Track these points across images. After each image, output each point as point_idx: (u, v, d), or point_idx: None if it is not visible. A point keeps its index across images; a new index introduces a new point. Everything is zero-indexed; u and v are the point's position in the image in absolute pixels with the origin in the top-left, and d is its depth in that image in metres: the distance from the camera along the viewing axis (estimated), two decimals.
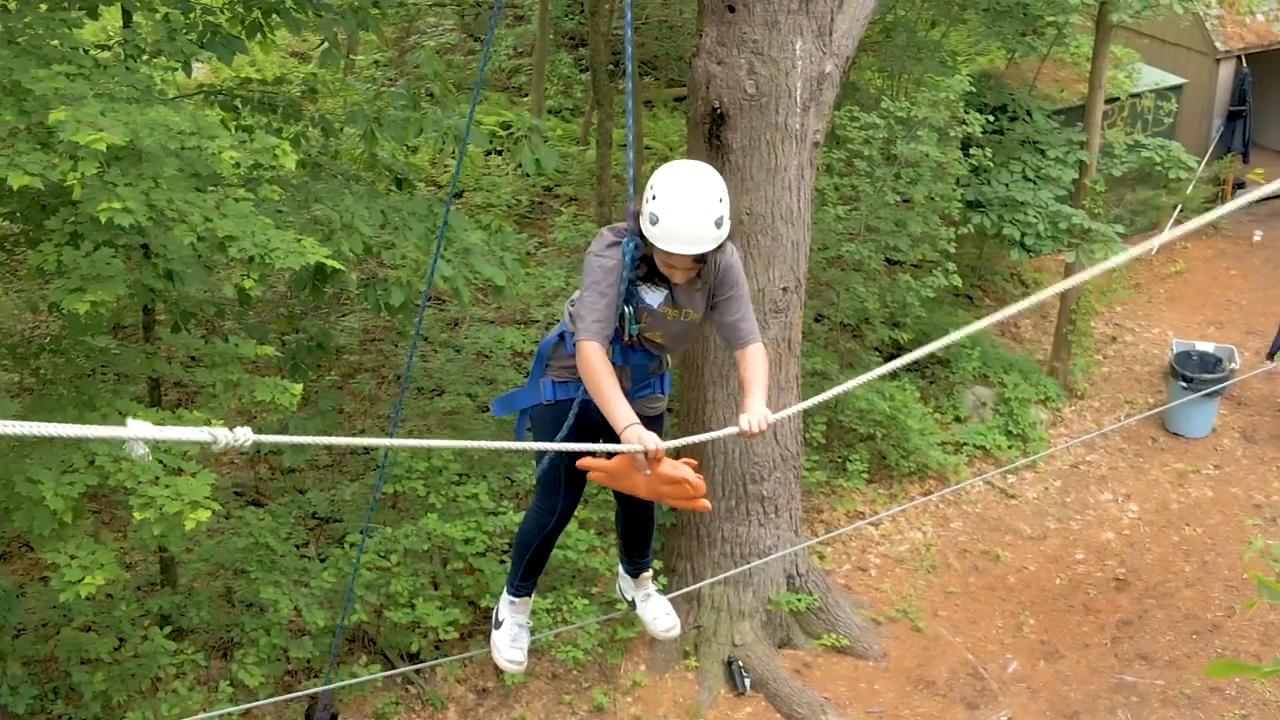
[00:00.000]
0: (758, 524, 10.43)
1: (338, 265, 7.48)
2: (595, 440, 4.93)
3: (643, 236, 4.67)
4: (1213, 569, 11.63)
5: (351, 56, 17.02)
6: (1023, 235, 12.98)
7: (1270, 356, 13.52)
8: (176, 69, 8.34)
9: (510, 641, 5.70)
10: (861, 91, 14.02)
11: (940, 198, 12.39)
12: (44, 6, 7.90)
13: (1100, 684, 10.47)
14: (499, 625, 5.75)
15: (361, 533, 8.41)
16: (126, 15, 8.51)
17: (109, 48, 9.09)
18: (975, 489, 12.53)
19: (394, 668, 9.89)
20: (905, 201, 12.42)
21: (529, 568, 5.60)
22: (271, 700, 9.00)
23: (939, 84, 12.62)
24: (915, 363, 12.38)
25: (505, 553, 9.93)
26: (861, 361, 12.55)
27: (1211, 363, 13.41)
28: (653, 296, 4.84)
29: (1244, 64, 16.58)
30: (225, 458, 11.47)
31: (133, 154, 6.71)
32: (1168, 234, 3.74)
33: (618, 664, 10.33)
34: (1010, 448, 12.91)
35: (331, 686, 8.98)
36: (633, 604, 5.92)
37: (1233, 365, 13.37)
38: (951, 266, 12.32)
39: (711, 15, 9.31)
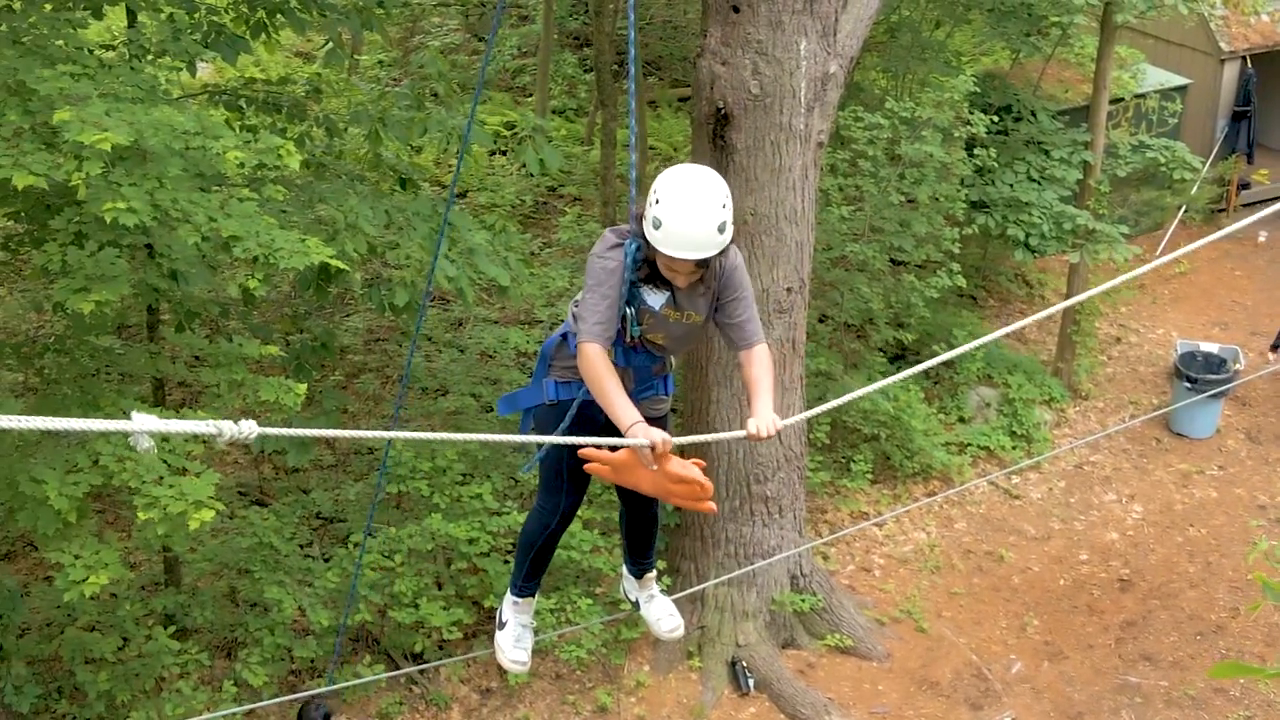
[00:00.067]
0: (762, 524, 10.43)
1: (342, 265, 7.48)
2: None
3: (645, 239, 4.67)
4: (1217, 570, 11.62)
5: (356, 56, 17.04)
6: (1027, 236, 12.97)
7: (1274, 349, 13.51)
8: (181, 69, 8.35)
9: (514, 642, 5.70)
10: (866, 92, 14.00)
11: (945, 198, 12.38)
12: (49, 6, 7.91)
13: (1104, 685, 10.46)
14: (503, 625, 5.75)
15: (365, 533, 8.41)
16: (131, 15, 8.51)
17: (114, 48, 9.10)
18: (979, 490, 12.52)
19: (398, 668, 9.90)
20: (910, 202, 12.41)
21: (532, 568, 5.60)
22: (276, 700, 9.01)
23: (943, 84, 12.61)
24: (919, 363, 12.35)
25: (509, 553, 9.93)
26: (866, 362, 12.55)
27: (1216, 363, 13.39)
28: (655, 298, 4.84)
29: (1249, 64, 16.56)
30: (229, 457, 11.48)
31: (137, 154, 6.72)
32: (1184, 249, 3.71)
33: (621, 664, 10.33)
34: (1014, 448, 12.90)
35: (336, 687, 8.99)
36: (637, 605, 5.93)
37: (1237, 366, 13.35)
38: (956, 267, 12.32)
39: (716, 15, 9.31)
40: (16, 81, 6.82)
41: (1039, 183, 13.14)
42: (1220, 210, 16.58)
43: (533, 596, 5.76)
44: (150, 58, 8.17)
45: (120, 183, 6.59)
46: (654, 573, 5.93)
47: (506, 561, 9.82)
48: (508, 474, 10.67)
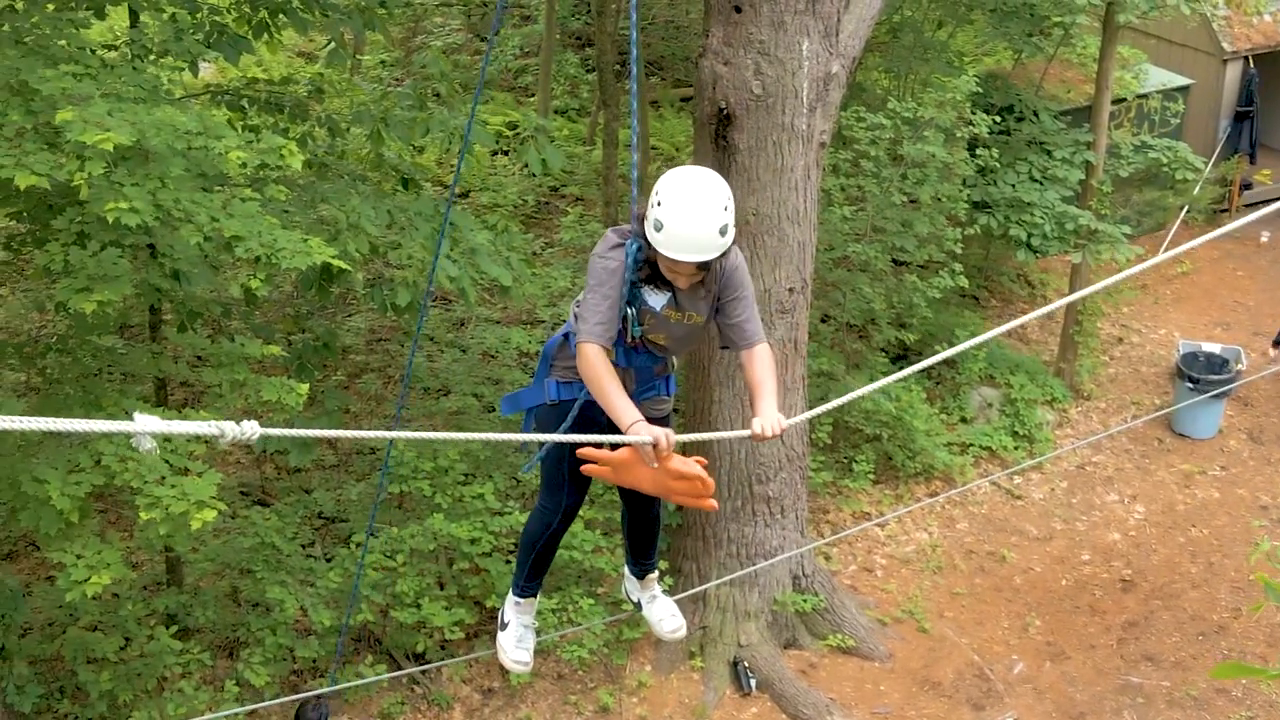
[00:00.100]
0: (764, 525, 10.43)
1: (344, 265, 7.48)
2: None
3: (646, 240, 4.66)
4: (1219, 570, 11.61)
5: (358, 56, 17.05)
6: (1029, 236, 12.97)
7: (1276, 345, 13.50)
8: (183, 69, 8.35)
9: (516, 642, 5.70)
10: (868, 92, 14.00)
11: (946, 198, 12.38)
12: (51, 6, 7.91)
13: (1106, 685, 10.46)
14: (504, 626, 5.76)
15: (367, 533, 8.42)
16: (133, 15, 8.52)
17: (116, 48, 9.10)
18: (981, 490, 12.52)
19: (400, 668, 9.90)
20: (912, 202, 12.40)
21: (534, 568, 5.60)
22: (278, 700, 9.01)
23: (945, 84, 12.60)
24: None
25: (511, 553, 9.93)
26: (868, 362, 12.54)
27: (1218, 364, 13.38)
28: (656, 299, 4.83)
29: (1251, 65, 16.54)
30: (231, 457, 11.48)
31: (139, 154, 6.72)
32: (1186, 246, 3.71)
33: (623, 664, 10.33)
34: (1016, 449, 12.89)
35: (338, 687, 9.00)
36: (639, 605, 5.93)
37: (1239, 366, 13.34)
38: (958, 267, 12.31)
39: (718, 16, 9.30)
40: (19, 81, 6.82)
41: (1041, 183, 13.14)
42: (1223, 211, 16.56)
43: (535, 597, 5.76)
44: (152, 57, 8.18)
45: (122, 183, 6.60)
46: (656, 573, 5.93)
47: (508, 562, 9.82)
48: (510, 474, 10.67)
